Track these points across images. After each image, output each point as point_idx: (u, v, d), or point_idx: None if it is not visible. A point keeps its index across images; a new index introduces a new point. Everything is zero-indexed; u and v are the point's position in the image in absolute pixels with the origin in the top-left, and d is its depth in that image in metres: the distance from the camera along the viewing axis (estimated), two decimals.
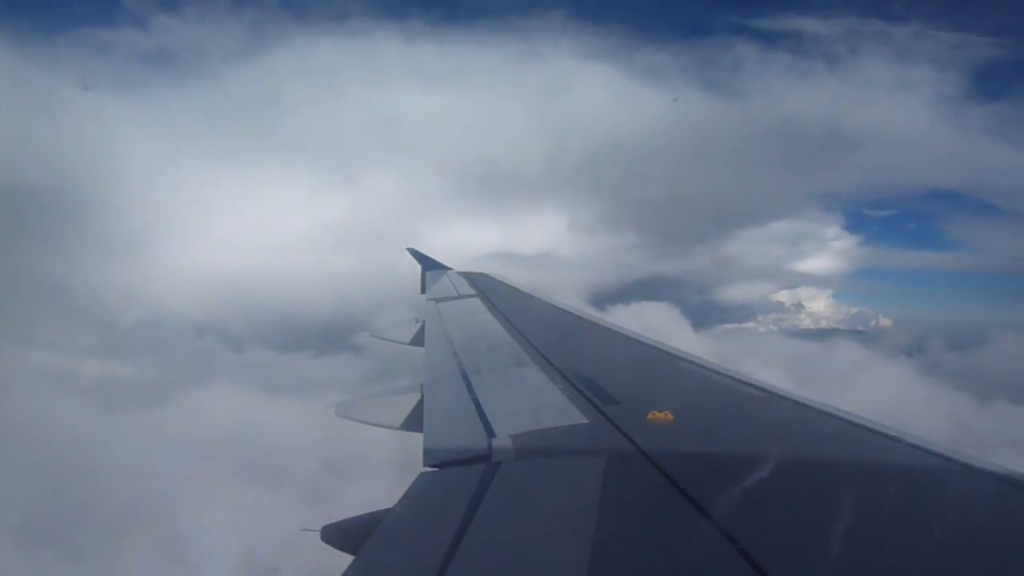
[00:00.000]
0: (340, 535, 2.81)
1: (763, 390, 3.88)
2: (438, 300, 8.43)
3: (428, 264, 12.14)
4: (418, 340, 6.74)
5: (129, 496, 19.23)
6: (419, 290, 10.35)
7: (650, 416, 3.24)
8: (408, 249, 13.84)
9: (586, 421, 3.31)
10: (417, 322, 7.42)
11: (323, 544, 2.81)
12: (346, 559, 2.27)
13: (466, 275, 10.58)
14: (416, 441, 3.36)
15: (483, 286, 9.41)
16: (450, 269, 11.52)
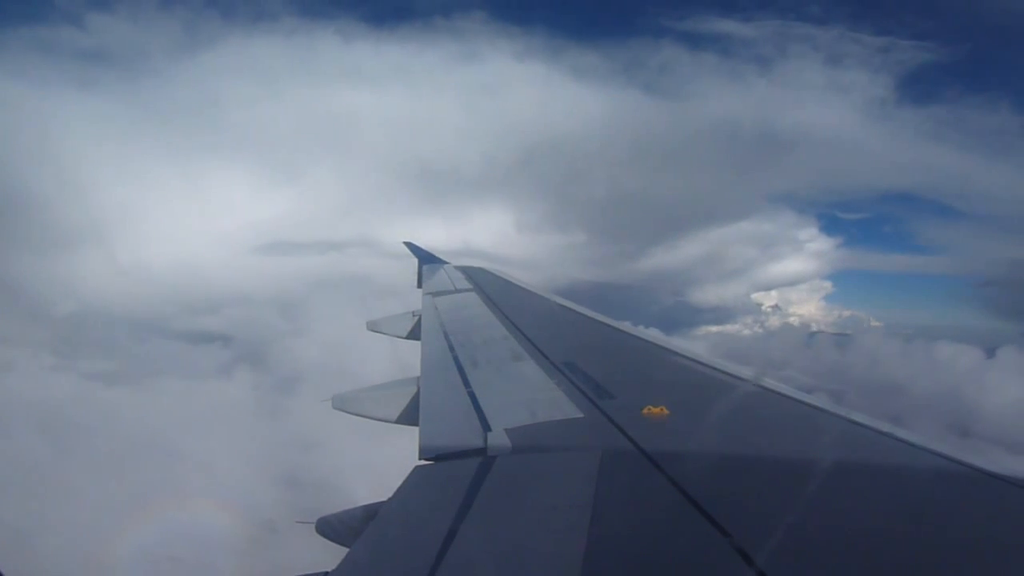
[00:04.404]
0: (335, 528, 2.81)
1: (758, 386, 3.89)
2: (435, 294, 8.43)
3: (425, 258, 12.11)
4: (415, 334, 6.74)
5: None
6: (415, 284, 10.34)
7: (645, 411, 3.24)
8: (405, 243, 13.81)
9: (581, 415, 3.32)
10: (414, 316, 7.42)
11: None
12: (341, 551, 2.28)
13: (463, 269, 10.57)
14: (412, 434, 3.36)
15: (480, 280, 9.40)
16: (447, 263, 11.49)
